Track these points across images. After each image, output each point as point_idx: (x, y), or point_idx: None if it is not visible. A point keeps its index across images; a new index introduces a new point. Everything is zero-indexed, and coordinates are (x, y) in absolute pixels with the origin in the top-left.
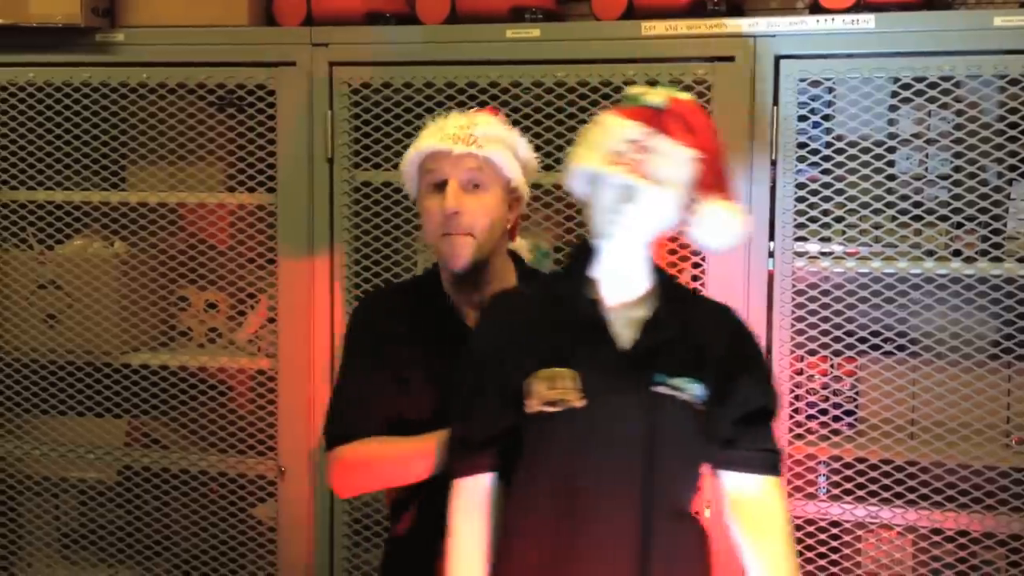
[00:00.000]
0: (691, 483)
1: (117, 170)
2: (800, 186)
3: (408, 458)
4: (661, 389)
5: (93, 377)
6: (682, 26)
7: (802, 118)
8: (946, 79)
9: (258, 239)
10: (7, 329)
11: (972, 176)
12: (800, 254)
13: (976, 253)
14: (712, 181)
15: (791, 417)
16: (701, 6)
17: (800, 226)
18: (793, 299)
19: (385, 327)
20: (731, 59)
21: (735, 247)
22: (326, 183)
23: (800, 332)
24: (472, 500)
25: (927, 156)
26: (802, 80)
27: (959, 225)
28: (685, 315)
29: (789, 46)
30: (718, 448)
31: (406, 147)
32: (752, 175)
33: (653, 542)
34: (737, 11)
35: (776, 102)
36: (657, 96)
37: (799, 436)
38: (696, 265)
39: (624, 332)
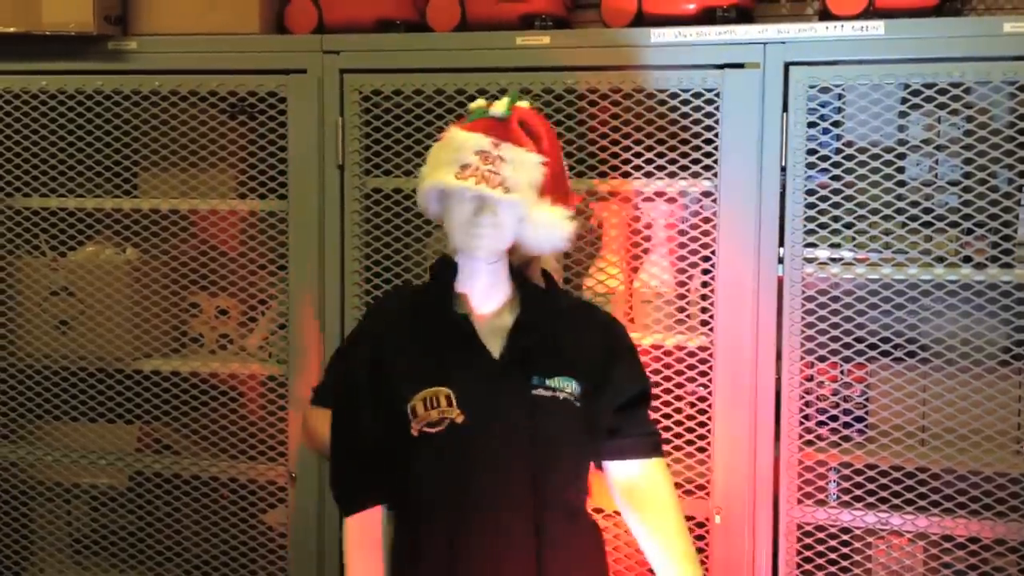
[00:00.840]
0: (582, 481)
1: (129, 177)
2: (810, 192)
3: (317, 439)
4: (540, 391)
5: (105, 383)
6: (691, 33)
7: (812, 124)
8: (956, 85)
9: (269, 245)
10: (20, 335)
11: (982, 182)
12: (810, 260)
13: (986, 259)
14: (552, 184)
15: (801, 423)
16: (711, 13)
17: (810, 232)
18: (803, 305)
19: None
20: (740, 66)
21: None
22: (337, 190)
23: (810, 339)
24: (364, 535)
25: (937, 162)
26: (812, 87)
27: (969, 231)
28: (550, 316)
29: (799, 53)
30: (602, 439)
31: (416, 154)
32: (762, 181)
33: (548, 545)
34: (747, 18)
35: (786, 108)
36: (499, 106)
37: (809, 442)
38: (706, 272)
39: (493, 341)
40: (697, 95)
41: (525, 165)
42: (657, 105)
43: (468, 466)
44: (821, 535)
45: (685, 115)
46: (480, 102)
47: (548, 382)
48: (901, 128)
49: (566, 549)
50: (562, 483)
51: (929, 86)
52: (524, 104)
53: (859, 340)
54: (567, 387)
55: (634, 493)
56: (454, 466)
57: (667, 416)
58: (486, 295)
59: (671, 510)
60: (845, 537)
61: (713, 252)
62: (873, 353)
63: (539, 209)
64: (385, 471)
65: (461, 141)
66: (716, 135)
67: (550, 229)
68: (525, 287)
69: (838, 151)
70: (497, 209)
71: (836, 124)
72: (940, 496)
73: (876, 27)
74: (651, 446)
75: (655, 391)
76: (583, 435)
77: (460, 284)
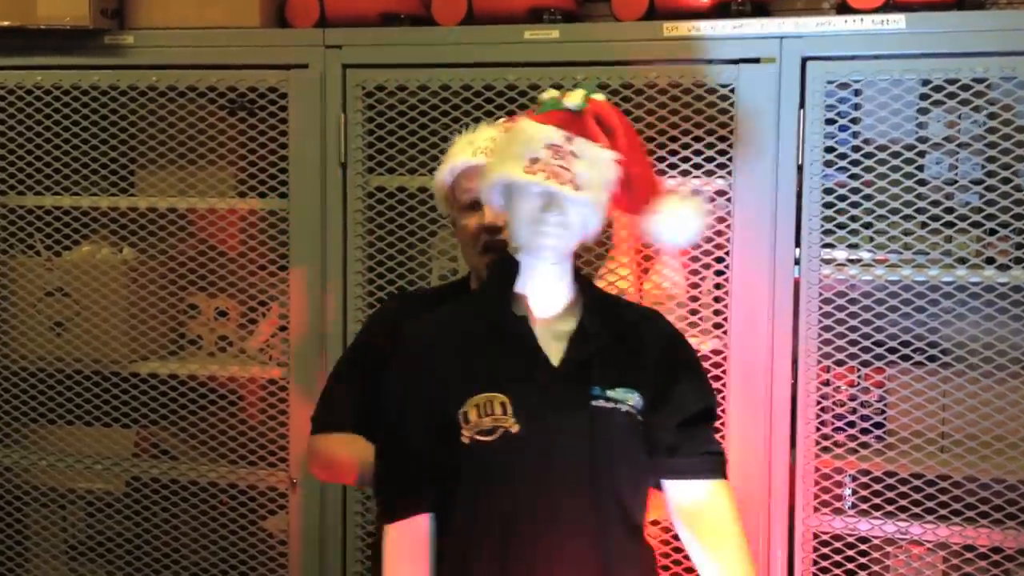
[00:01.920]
0: (642, 496)
1: (126, 175)
2: (827, 191)
3: (339, 465)
4: (600, 403)
5: (101, 386)
6: (705, 27)
7: (829, 121)
8: (978, 81)
9: (269, 245)
10: (14, 337)
11: (1005, 181)
12: (827, 261)
13: (1009, 260)
14: (639, 181)
15: (817, 429)
16: (725, 6)
17: (827, 232)
18: (820, 308)
19: (391, 331)
20: (756, 61)
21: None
22: (339, 188)
23: (827, 342)
24: (410, 545)
25: (958, 160)
26: (830, 82)
27: (991, 231)
28: (613, 324)
29: (816, 47)
30: (661, 457)
31: (421, 152)
32: (778, 180)
33: (614, 565)
34: (762, 12)
35: (803, 105)
36: (573, 98)
37: (826, 449)
38: (719, 273)
39: (553, 347)
40: (711, 91)
41: (598, 162)
42: (669, 101)
43: (522, 480)
44: (838, 544)
45: (698, 111)
46: (552, 92)
47: (609, 393)
48: (921, 125)
49: (632, 568)
50: (622, 500)
51: (951, 82)
52: (600, 97)
53: (877, 343)
54: (629, 399)
55: (694, 516)
56: (506, 478)
57: None
58: (548, 298)
59: (734, 536)
60: (863, 547)
61: (727, 253)
62: (892, 357)
63: (667, 203)
64: (432, 480)
65: (532, 133)
66: (731, 132)
67: (680, 221)
68: (588, 291)
69: (856, 149)
70: (565, 207)
71: (854, 121)
72: (961, 505)
73: (896, 21)
74: (714, 466)
75: None
76: (642, 450)
77: (520, 285)
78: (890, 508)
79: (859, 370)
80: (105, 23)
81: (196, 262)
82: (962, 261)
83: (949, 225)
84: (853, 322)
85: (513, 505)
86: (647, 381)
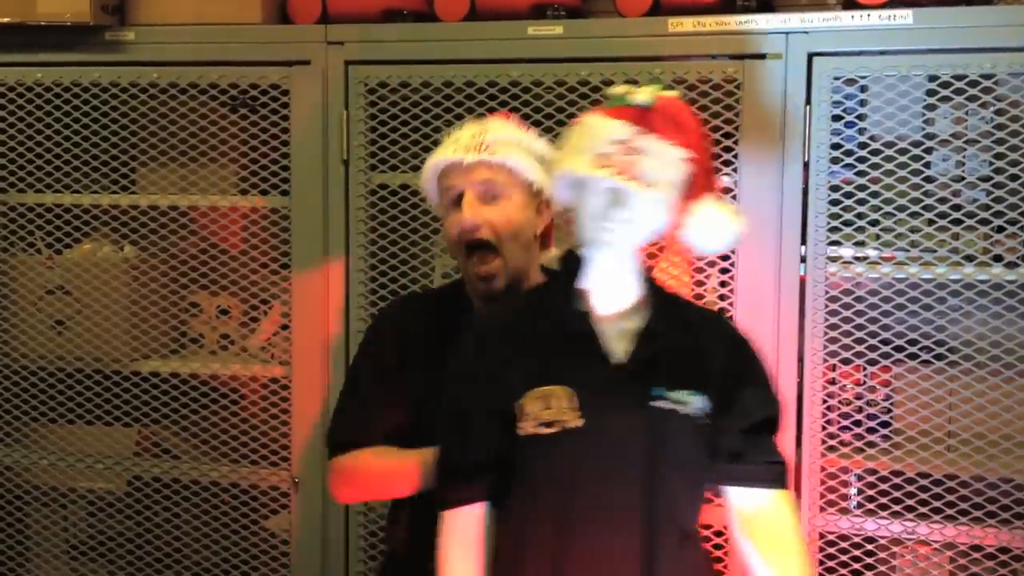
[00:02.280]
0: (696, 502)
1: (127, 172)
2: (834, 188)
3: (392, 474)
4: (661, 403)
5: (102, 385)
6: (710, 23)
7: (836, 118)
8: (986, 77)
9: (271, 243)
10: (14, 335)
11: (1013, 178)
12: (833, 259)
13: (1017, 258)
14: (702, 181)
15: (823, 428)
16: (730, 2)
17: (833, 230)
18: (826, 306)
19: (401, 337)
20: (762, 57)
21: (731, 248)
22: (341, 186)
23: (833, 340)
24: (465, 533)
25: (965, 157)
26: (836, 78)
27: (999, 229)
28: (679, 324)
29: (823, 43)
30: (723, 463)
31: (424, 148)
32: (784, 177)
33: (659, 567)
34: (768, 7)
35: (809, 101)
36: (644, 94)
37: (831, 448)
38: (724, 271)
39: (617, 344)
40: (716, 87)
41: (667, 159)
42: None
43: (578, 475)
44: (844, 544)
45: (704, 108)
46: (621, 87)
47: (671, 394)
48: (928, 122)
49: (681, 573)
50: (675, 503)
51: (958, 78)
52: (670, 94)
53: (884, 342)
54: (692, 401)
55: (755, 524)
56: (563, 473)
57: None
58: (613, 294)
59: (795, 548)
60: (869, 546)
61: (732, 251)
62: (898, 356)
63: (702, 206)
64: (489, 469)
65: (600, 128)
66: (736, 128)
67: (716, 226)
68: (656, 290)
69: (862, 146)
70: (632, 203)
71: (860, 118)
72: (968, 504)
73: (904, 16)
74: (776, 475)
75: None
76: (702, 455)
77: (585, 280)
78: (896, 508)
79: (865, 369)
80: (106, 19)
81: (198, 260)
82: (969, 259)
83: (956, 222)
84: (859, 320)
85: (567, 499)
86: (712, 384)
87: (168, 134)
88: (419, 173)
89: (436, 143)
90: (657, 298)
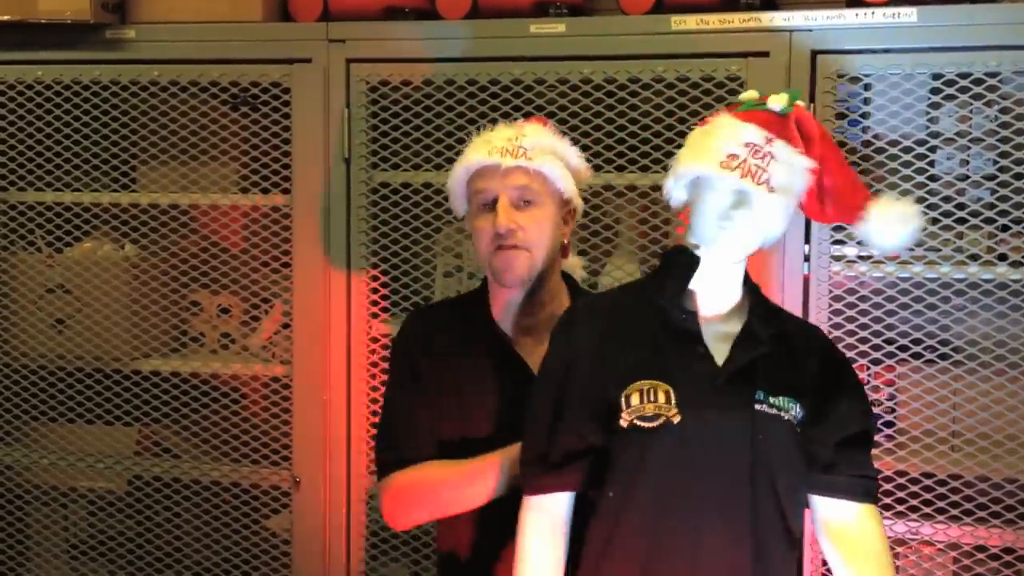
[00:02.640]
0: (800, 508)
1: (127, 171)
2: None
3: (466, 482)
4: (762, 408)
5: (103, 384)
6: (714, 20)
7: (839, 116)
8: (990, 75)
9: (272, 242)
10: (15, 334)
11: (1017, 176)
12: (837, 258)
13: (1022, 257)
14: (839, 191)
15: None
16: (733, 0)
17: (837, 228)
18: (830, 305)
19: (425, 348)
20: (765, 54)
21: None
22: (343, 184)
23: (837, 339)
24: (550, 520)
25: (969, 156)
26: (840, 76)
27: (1004, 228)
28: (777, 331)
29: (826, 41)
30: (816, 473)
31: (425, 146)
32: None
33: (767, 571)
34: (771, 4)
35: (812, 99)
36: (780, 101)
37: None
38: None
39: (716, 346)
40: (720, 85)
41: (794, 167)
42: (677, 96)
43: (679, 472)
44: None
45: (707, 106)
46: (753, 93)
47: (772, 400)
48: (932, 120)
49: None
50: (780, 505)
51: (962, 76)
52: (802, 104)
53: (888, 341)
54: (791, 409)
55: (843, 537)
56: (663, 468)
57: None
58: (718, 296)
59: (880, 562)
60: None
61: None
62: (902, 355)
63: (877, 205)
64: (581, 458)
65: (732, 130)
66: None
67: (893, 223)
68: (755, 296)
69: (866, 144)
70: (756, 206)
71: (864, 116)
72: (972, 505)
73: (908, 14)
74: (867, 490)
75: None
76: (801, 462)
77: (694, 280)
78: (901, 508)
79: (869, 368)
80: (106, 17)
81: (198, 259)
82: (974, 258)
83: (961, 221)
84: (863, 320)
85: (665, 495)
86: (807, 393)
87: (169, 132)
88: (420, 172)
89: (438, 141)
90: (757, 304)
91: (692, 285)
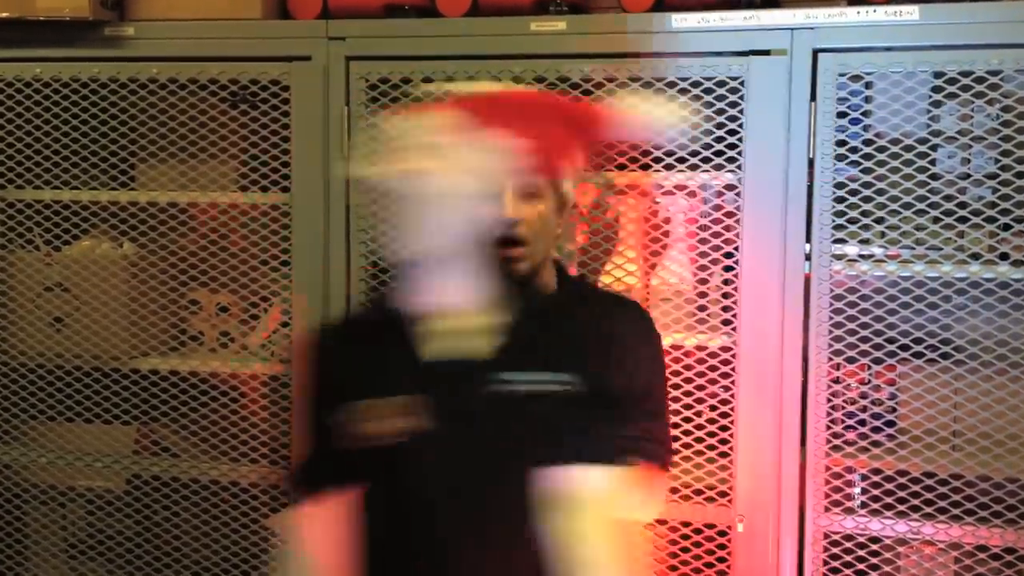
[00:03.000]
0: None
1: (126, 168)
2: (839, 186)
3: None
4: (521, 387)
5: (101, 383)
6: (715, 18)
7: (841, 115)
8: (992, 73)
9: (272, 240)
10: (13, 333)
11: (1019, 175)
12: (838, 257)
13: (1023, 256)
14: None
15: (828, 428)
16: None
17: (838, 228)
18: (831, 304)
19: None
20: (766, 53)
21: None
22: (342, 182)
23: (838, 339)
24: (308, 536)
25: (971, 154)
26: (841, 75)
27: (1005, 227)
28: (532, 309)
29: (828, 39)
30: (575, 440)
31: None
32: (788, 174)
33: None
34: (773, 3)
35: (814, 98)
36: (459, 87)
37: (836, 447)
38: (728, 268)
39: (471, 340)
40: (721, 83)
41: (481, 150)
42: (678, 94)
43: (434, 478)
44: (849, 544)
45: (708, 104)
46: (431, 84)
47: (525, 376)
48: (933, 118)
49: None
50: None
51: (964, 74)
52: (496, 86)
53: (889, 340)
54: (554, 383)
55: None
56: (417, 477)
57: (687, 420)
58: (457, 290)
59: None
60: (874, 547)
61: (736, 248)
62: (904, 354)
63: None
64: (333, 470)
65: (410, 127)
66: (740, 126)
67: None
68: (510, 279)
69: (868, 143)
70: (455, 197)
71: (866, 114)
72: (974, 504)
73: (910, 12)
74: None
75: (676, 393)
76: (559, 436)
77: (427, 280)
78: (902, 508)
79: (870, 368)
80: (105, 14)
81: (197, 257)
82: (975, 257)
83: (962, 220)
84: (864, 319)
85: (426, 504)
86: (574, 364)
87: (168, 130)
88: None
89: None
90: (513, 287)
91: (428, 284)
